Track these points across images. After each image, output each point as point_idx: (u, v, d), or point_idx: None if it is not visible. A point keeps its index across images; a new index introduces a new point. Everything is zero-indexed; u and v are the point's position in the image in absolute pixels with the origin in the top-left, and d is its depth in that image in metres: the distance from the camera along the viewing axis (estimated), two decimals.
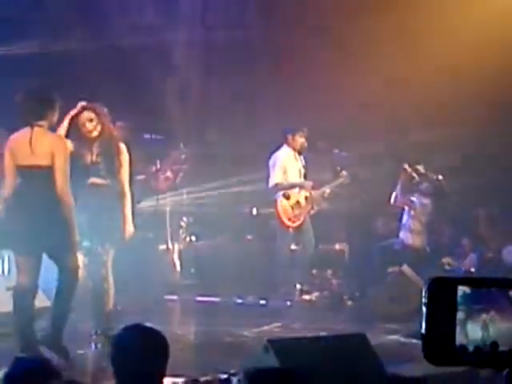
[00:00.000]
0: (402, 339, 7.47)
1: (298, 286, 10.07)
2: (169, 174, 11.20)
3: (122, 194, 7.00)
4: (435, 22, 11.08)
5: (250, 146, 11.41)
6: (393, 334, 7.75)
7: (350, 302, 9.78)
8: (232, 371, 5.13)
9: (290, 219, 10.05)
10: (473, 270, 9.85)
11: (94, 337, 6.97)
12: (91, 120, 7.00)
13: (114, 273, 7.10)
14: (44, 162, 6.38)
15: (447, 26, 10.92)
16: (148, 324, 3.79)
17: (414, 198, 10.34)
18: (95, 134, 7.01)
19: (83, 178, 6.87)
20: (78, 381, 4.48)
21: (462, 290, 1.93)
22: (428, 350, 1.94)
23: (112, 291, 7.06)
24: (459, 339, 1.92)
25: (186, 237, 11.39)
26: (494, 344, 1.92)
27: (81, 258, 6.82)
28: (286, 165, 10.08)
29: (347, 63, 11.17)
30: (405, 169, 10.38)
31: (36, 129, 6.45)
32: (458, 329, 1.92)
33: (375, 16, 11.12)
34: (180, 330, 8.04)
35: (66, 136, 6.89)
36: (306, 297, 9.98)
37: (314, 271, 10.76)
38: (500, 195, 10.34)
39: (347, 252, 11.26)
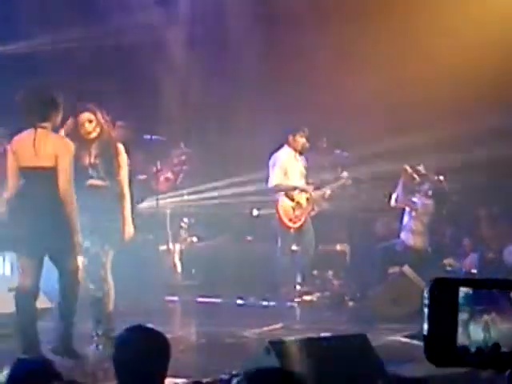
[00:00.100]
0: (403, 340, 7.46)
1: (299, 287, 10.07)
2: (169, 174, 11.21)
3: (121, 196, 6.98)
4: (435, 22, 11.08)
5: (251, 147, 11.40)
6: (394, 334, 7.74)
7: (351, 303, 9.77)
8: (233, 372, 5.13)
9: (290, 220, 10.05)
10: (474, 270, 9.85)
11: (96, 338, 6.98)
12: (90, 121, 6.98)
13: (115, 274, 7.10)
14: (47, 163, 6.38)
15: (447, 26, 10.92)
16: (149, 325, 3.79)
17: (415, 199, 10.33)
18: (94, 135, 6.99)
19: (82, 180, 6.84)
20: (79, 381, 4.48)
21: (463, 291, 1.94)
22: (430, 350, 1.95)
23: (112, 292, 7.05)
24: (461, 340, 1.93)
25: (186, 238, 11.39)
26: (496, 345, 1.93)
27: (80, 259, 6.82)
28: (287, 165, 10.08)
29: (347, 63, 11.18)
30: (405, 169, 10.38)
31: (39, 130, 6.46)
32: (459, 330, 1.93)
33: (375, 16, 11.13)
34: (181, 331, 8.04)
35: (66, 135, 6.88)
36: (307, 297, 9.98)
37: (315, 272, 10.77)
38: (500, 195, 10.35)
39: (348, 253, 11.26)
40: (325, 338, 5.91)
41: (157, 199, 10.67)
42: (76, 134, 6.92)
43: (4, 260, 7.89)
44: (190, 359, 6.73)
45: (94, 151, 7.02)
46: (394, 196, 10.38)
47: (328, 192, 10.44)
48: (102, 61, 11.46)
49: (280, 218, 10.03)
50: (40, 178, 6.41)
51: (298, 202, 10.08)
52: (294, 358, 4.70)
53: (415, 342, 6.82)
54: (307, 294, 10.05)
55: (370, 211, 11.25)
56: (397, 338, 7.59)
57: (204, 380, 5.26)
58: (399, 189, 10.34)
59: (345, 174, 10.56)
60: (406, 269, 9.10)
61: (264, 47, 11.98)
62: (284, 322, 8.51)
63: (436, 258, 10.18)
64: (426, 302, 1.95)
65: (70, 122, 6.99)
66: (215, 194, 11.28)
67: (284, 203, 10.04)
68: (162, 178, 11.04)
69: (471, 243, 10.33)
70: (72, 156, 6.51)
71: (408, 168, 10.38)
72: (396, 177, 10.46)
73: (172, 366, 3.60)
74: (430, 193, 10.35)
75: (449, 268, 10.12)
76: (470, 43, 10.52)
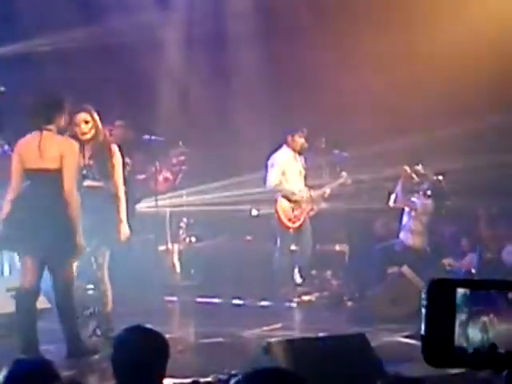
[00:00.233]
0: (402, 340, 7.46)
1: (298, 287, 10.07)
2: (168, 175, 11.21)
3: (116, 196, 6.99)
4: (435, 22, 11.08)
5: (250, 147, 11.40)
6: (393, 334, 7.74)
7: (349, 303, 9.77)
8: (232, 372, 5.13)
9: (290, 220, 10.05)
10: (473, 270, 9.85)
11: (94, 338, 6.98)
12: (87, 122, 6.99)
13: (113, 274, 7.10)
14: (52, 165, 6.40)
15: (447, 26, 10.93)
16: (148, 325, 3.79)
17: (414, 199, 10.33)
18: (88, 136, 7.00)
19: (78, 181, 6.84)
20: (78, 381, 4.49)
21: (461, 292, 1.94)
22: (427, 351, 1.95)
23: (109, 293, 7.06)
24: (458, 341, 1.93)
25: (185, 238, 11.40)
26: (493, 346, 1.93)
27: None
28: (285, 166, 10.07)
29: (346, 63, 11.19)
30: (405, 169, 10.38)
31: (45, 133, 6.49)
32: (457, 331, 1.93)
33: (375, 16, 11.14)
34: (180, 331, 8.04)
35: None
36: (306, 298, 9.98)
37: (314, 272, 10.77)
38: (500, 195, 10.34)
39: (347, 253, 11.26)
40: (323, 338, 5.90)
41: (156, 199, 10.67)
42: (71, 133, 6.91)
43: (3, 260, 7.90)
44: (189, 359, 6.72)
45: (88, 152, 7.03)
46: (392, 196, 10.38)
47: (327, 192, 10.45)
48: (102, 61, 11.45)
49: (279, 218, 10.03)
50: (44, 180, 6.43)
51: (297, 202, 10.08)
52: (293, 359, 4.70)
53: (414, 342, 6.82)
54: (306, 294, 10.05)
55: (369, 211, 11.24)
56: (396, 338, 7.59)
57: (202, 380, 5.26)
58: (398, 189, 10.34)
59: (344, 174, 10.56)
60: (405, 269, 9.10)
61: (263, 47, 11.99)
62: (283, 322, 8.51)
63: (435, 258, 10.18)
64: (424, 302, 1.95)
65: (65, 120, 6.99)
66: (214, 194, 11.28)
67: (283, 203, 10.04)
68: (161, 178, 11.04)
69: (470, 243, 10.33)
70: (77, 156, 6.55)
71: (407, 168, 10.38)
72: (395, 177, 10.46)
73: (171, 366, 3.60)
74: (428, 193, 10.35)
75: (448, 268, 10.12)
76: (469, 43, 10.53)
